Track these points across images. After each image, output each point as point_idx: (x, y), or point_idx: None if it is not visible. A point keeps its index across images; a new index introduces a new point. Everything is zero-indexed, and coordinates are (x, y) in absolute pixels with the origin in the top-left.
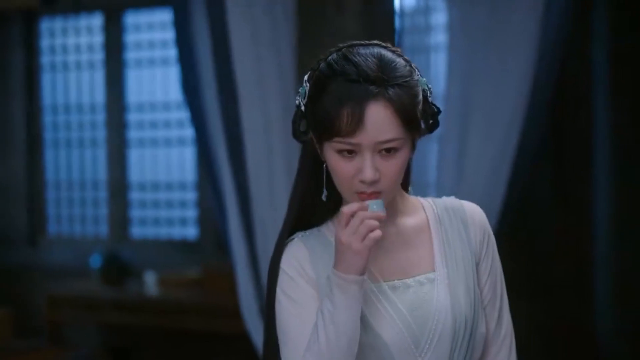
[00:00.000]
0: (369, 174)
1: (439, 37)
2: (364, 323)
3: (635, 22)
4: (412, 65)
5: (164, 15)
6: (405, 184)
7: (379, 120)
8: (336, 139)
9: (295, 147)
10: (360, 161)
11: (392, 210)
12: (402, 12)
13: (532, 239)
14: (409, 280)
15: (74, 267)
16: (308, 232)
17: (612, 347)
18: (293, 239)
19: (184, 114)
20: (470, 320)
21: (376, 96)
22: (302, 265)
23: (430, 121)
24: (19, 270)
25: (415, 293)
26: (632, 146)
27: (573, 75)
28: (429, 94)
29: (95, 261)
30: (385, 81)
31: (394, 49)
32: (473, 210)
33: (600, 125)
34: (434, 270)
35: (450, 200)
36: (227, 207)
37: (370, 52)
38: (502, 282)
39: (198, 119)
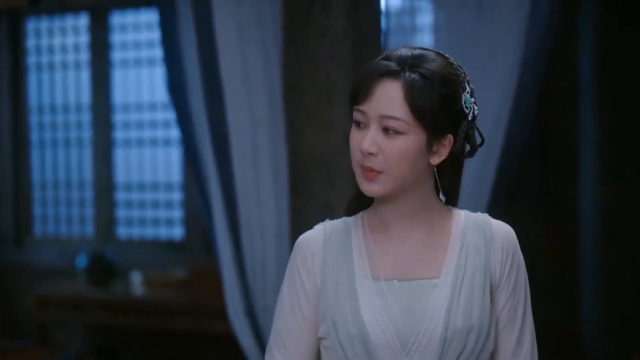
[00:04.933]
0: (366, 144)
1: (425, 38)
2: (358, 317)
3: (621, 23)
4: (459, 79)
5: (150, 16)
6: (451, 197)
7: (388, 95)
8: (354, 107)
9: (281, 147)
10: (366, 133)
11: (419, 214)
12: (388, 12)
13: (518, 240)
14: (408, 283)
15: (60, 268)
16: (335, 220)
17: (599, 348)
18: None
19: (170, 115)
20: (465, 331)
21: (393, 74)
22: (314, 251)
23: (467, 145)
24: (5, 270)
25: (411, 296)
26: (619, 147)
27: (559, 76)
28: (471, 115)
29: (82, 261)
30: (409, 65)
31: (451, 60)
32: (499, 230)
33: (586, 125)
34: (439, 277)
35: (482, 216)
36: (213, 207)
37: (417, 48)
38: (527, 303)
39: (184, 120)
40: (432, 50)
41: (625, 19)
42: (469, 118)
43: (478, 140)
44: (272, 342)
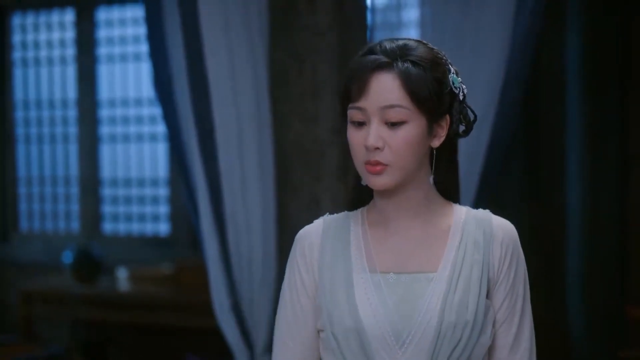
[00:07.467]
0: (371, 139)
1: (411, 33)
2: (353, 309)
3: (611, 18)
4: (444, 62)
5: (136, 11)
6: (449, 193)
7: (384, 87)
8: (349, 105)
9: (267, 142)
10: (368, 130)
11: (419, 208)
12: (374, 8)
13: None
14: (405, 276)
15: (46, 263)
16: (336, 214)
17: (585, 344)
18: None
19: (156, 110)
20: (460, 326)
21: (385, 66)
22: (312, 243)
23: (462, 125)
24: None
25: (407, 289)
26: (605, 143)
27: (546, 70)
28: (461, 94)
29: (67, 257)
30: (399, 56)
31: (430, 45)
32: (500, 226)
33: (573, 119)
34: (435, 272)
35: (482, 212)
36: (199, 202)
37: (398, 39)
38: (526, 300)
39: (170, 115)
40: (411, 39)
41: (615, 14)
42: (460, 97)
43: (471, 118)
44: (275, 336)
